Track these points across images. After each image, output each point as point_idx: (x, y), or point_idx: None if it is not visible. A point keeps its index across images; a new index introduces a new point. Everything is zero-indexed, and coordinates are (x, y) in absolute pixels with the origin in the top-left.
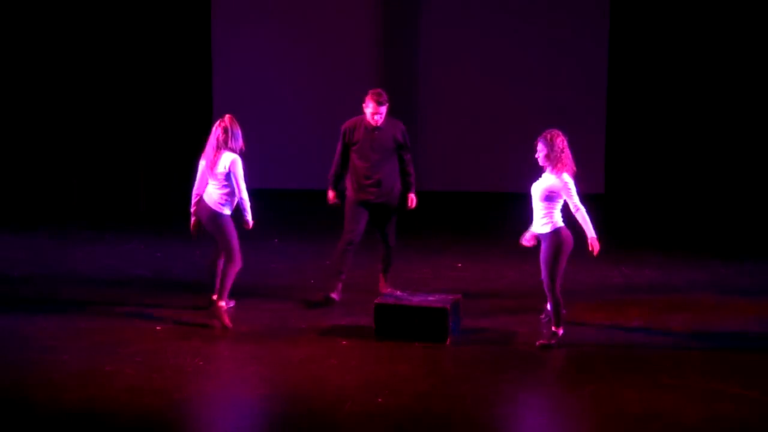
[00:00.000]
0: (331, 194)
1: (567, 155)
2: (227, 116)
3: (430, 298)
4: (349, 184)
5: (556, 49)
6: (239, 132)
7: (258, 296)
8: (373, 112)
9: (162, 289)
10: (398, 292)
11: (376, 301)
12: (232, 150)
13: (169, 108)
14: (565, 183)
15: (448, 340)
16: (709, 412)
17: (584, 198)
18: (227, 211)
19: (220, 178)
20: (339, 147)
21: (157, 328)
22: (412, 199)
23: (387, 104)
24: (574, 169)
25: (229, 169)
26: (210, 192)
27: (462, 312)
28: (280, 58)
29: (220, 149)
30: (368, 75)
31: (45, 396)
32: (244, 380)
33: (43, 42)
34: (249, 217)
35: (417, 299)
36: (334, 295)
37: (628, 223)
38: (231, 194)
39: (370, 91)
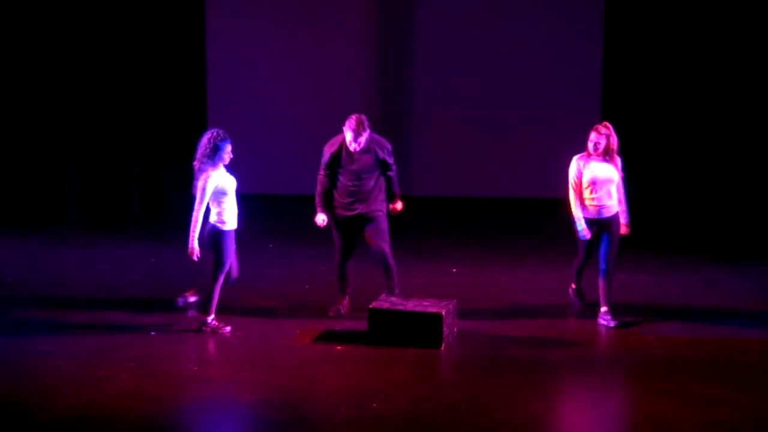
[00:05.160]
0: (319, 218)
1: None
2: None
3: (425, 303)
4: (334, 201)
5: (551, 53)
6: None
7: (252, 301)
8: (351, 140)
9: (156, 294)
10: (393, 297)
11: (370, 306)
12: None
13: (162, 112)
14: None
15: (443, 345)
16: (705, 418)
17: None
18: None
19: None
20: (321, 171)
21: (152, 333)
22: (398, 204)
23: (367, 131)
24: (209, 174)
25: None
26: None
27: (456, 317)
28: (275, 61)
29: None
30: (363, 76)
31: (39, 401)
32: (239, 385)
33: (36, 44)
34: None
35: (411, 304)
36: (341, 309)
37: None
38: None
39: (349, 120)
